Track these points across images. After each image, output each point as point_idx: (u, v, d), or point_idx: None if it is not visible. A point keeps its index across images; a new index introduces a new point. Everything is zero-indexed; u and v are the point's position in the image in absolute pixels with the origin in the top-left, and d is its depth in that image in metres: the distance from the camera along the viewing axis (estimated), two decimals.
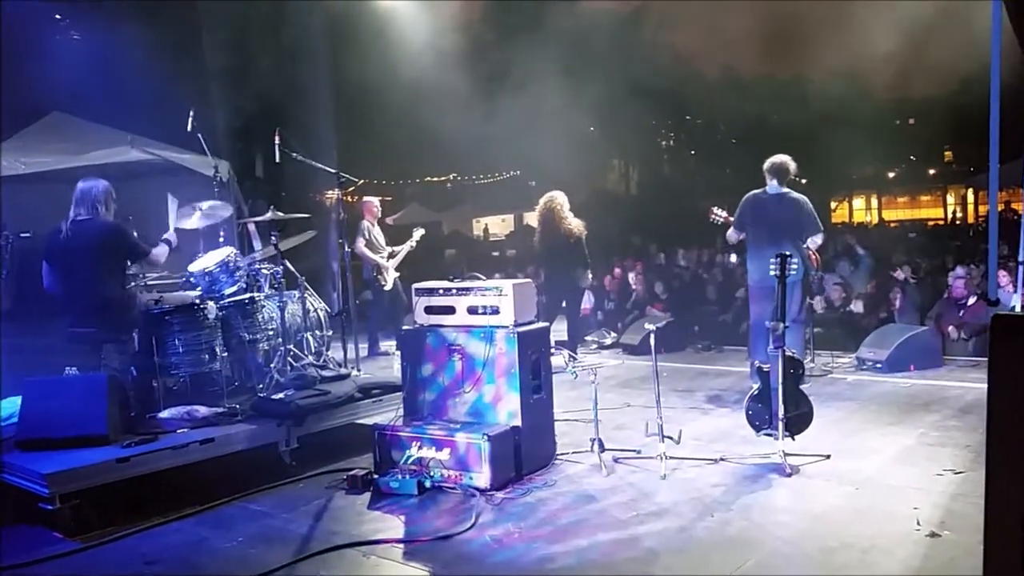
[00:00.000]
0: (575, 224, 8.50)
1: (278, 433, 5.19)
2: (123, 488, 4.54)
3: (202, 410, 5.28)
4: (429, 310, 5.22)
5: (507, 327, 4.93)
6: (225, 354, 5.75)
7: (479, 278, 5.33)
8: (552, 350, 5.35)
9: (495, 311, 4.98)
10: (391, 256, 9.51)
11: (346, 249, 6.93)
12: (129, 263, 5.76)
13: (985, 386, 5.84)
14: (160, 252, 5.74)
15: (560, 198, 8.55)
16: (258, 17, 12.33)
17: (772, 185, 7.14)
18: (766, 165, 7.19)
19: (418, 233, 9.51)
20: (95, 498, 4.42)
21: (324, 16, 14.14)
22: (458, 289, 5.14)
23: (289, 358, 5.91)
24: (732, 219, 7.30)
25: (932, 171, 37.60)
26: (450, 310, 5.14)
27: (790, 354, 5.01)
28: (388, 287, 9.44)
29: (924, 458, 4.96)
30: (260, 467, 5.09)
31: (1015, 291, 7.93)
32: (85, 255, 5.34)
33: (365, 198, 9.87)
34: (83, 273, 5.35)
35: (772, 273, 5.08)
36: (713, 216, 7.46)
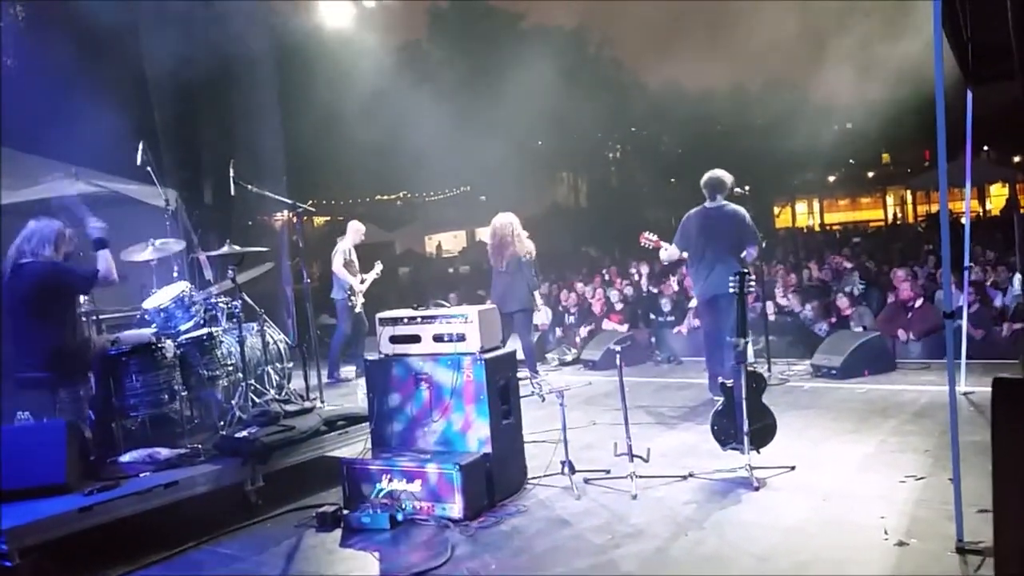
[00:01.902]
0: (527, 247, 8.40)
1: (243, 472, 5.05)
2: (85, 538, 4.37)
3: (164, 452, 5.13)
4: (394, 339, 5.17)
5: (474, 353, 4.91)
6: (184, 393, 5.61)
7: (443, 305, 5.32)
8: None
9: (461, 338, 4.96)
10: (362, 280, 9.68)
11: (305, 279, 6.83)
12: (81, 299, 5.57)
13: (940, 388, 5.99)
14: (103, 265, 5.27)
15: (510, 227, 8.36)
16: (202, 42, 12.15)
17: (710, 200, 7.29)
18: (703, 181, 7.34)
19: (378, 267, 9.87)
20: (56, 550, 4.26)
21: (271, 39, 14.03)
22: (423, 318, 5.10)
23: (251, 393, 5.81)
24: (662, 244, 7.42)
25: (871, 174, 38.72)
26: (416, 339, 5.11)
27: (752, 368, 5.11)
28: (358, 310, 9.56)
29: (885, 465, 5.07)
30: (226, 508, 4.97)
31: (960, 292, 8.22)
32: (26, 299, 5.13)
33: (352, 221, 10.05)
34: (28, 318, 5.14)
35: (731, 290, 5.19)
36: (644, 241, 7.55)
